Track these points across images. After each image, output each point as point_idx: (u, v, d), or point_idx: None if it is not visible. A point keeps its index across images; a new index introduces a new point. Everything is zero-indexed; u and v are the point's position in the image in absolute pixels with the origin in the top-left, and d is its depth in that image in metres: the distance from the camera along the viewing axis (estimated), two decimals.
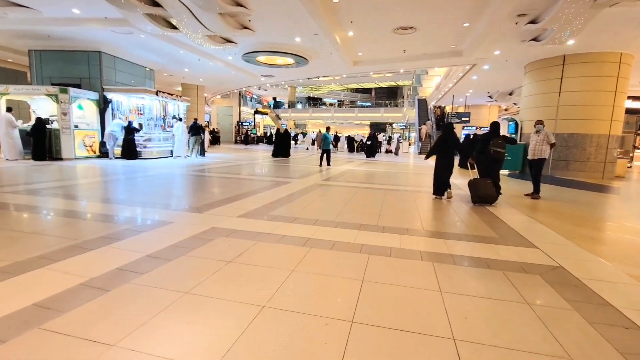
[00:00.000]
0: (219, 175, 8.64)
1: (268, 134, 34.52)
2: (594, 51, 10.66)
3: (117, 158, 11.98)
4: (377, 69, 14.98)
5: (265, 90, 48.44)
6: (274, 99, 53.57)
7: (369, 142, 18.45)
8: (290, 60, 12.98)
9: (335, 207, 5.21)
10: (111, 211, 4.50)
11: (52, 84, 11.55)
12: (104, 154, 12.18)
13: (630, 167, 14.10)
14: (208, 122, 31.05)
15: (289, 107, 49.75)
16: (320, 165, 11.79)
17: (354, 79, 43.39)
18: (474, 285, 2.57)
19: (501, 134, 6.30)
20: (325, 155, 11.97)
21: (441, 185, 6.21)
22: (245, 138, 31.84)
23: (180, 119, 14.21)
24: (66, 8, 8.60)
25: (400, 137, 26.21)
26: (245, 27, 9.52)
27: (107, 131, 11.88)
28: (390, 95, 51.72)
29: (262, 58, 13.13)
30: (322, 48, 11.49)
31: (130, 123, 12.03)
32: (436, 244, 3.54)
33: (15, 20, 9.25)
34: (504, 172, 12.34)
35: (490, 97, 21.06)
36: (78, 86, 12.01)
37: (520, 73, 13.22)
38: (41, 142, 10.40)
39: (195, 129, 13.79)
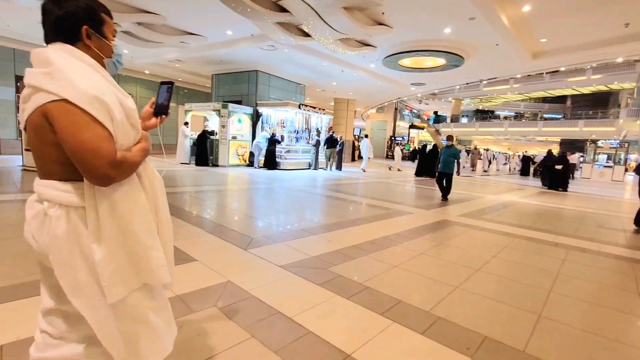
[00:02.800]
0: (329, 194, 7.49)
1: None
2: None
3: (260, 167, 12.83)
4: (573, 62, 10.54)
5: (427, 104, 45.67)
6: (435, 112, 49.94)
7: (558, 167, 11.52)
8: (441, 60, 10.70)
9: (449, 274, 3.02)
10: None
11: (223, 102, 13.53)
12: (251, 163, 13.30)
13: None
14: (357, 136, 31.28)
15: (452, 121, 45.01)
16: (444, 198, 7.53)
17: (540, 85, 34.72)
18: None
19: None
20: (443, 181, 7.52)
21: None
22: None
23: (319, 132, 14.14)
24: (222, 31, 9.58)
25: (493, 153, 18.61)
26: (380, 23, 8.12)
27: (254, 142, 12.89)
28: (595, 103, 38.85)
29: (407, 62, 11.40)
30: (483, 38, 8.75)
31: (273, 135, 12.68)
32: None
33: (195, 47, 11.11)
34: None
35: None
36: (239, 102, 13.62)
37: None
38: (203, 150, 12.14)
39: (331, 142, 13.39)
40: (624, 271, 3.42)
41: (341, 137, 14.63)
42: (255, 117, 13.61)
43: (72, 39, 1.05)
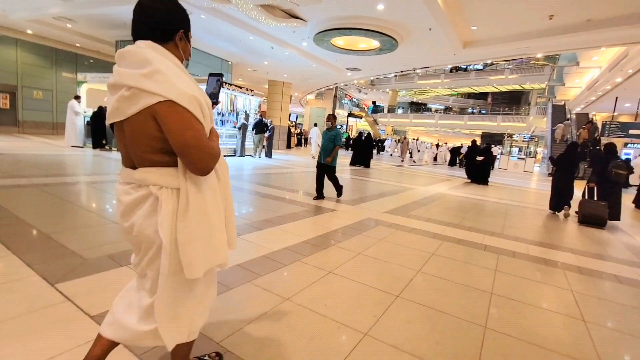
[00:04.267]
0: (244, 187, 6.36)
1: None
2: None
3: None
4: (500, 54, 10.73)
5: (366, 94, 46.34)
6: (374, 102, 51.14)
7: (480, 158, 10.99)
8: (375, 43, 10.05)
9: (359, 307, 2.17)
10: None
11: None
12: None
13: None
14: (294, 122, 30.30)
15: (389, 111, 46.35)
16: (318, 196, 5.57)
17: (466, 81, 37.16)
18: None
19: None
20: (323, 176, 5.54)
21: (559, 200, 6.15)
22: None
23: (248, 115, 12.74)
24: None
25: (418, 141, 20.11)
26: None
27: None
28: (512, 101, 43.19)
29: (340, 42, 10.55)
30: (417, 20, 8.24)
31: None
32: None
33: (81, 1, 8.88)
34: None
35: None
36: None
37: None
38: (100, 131, 10.00)
39: (260, 127, 12.12)
40: (559, 284, 2.94)
41: (271, 121, 13.41)
42: None
43: (166, 39, 1.12)
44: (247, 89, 12.98)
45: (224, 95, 12.32)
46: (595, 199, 5.86)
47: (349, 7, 8.00)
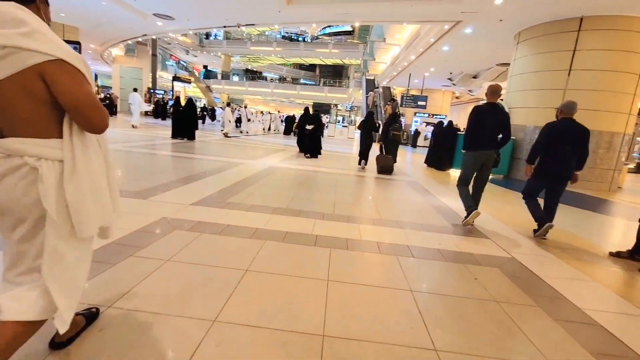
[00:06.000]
0: None
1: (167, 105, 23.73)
2: (621, 14, 7.59)
3: None
4: (322, 17, 10.51)
5: (195, 56, 41.34)
6: (205, 67, 46.52)
7: (309, 128, 9.75)
8: None
9: None
10: None
11: None
12: None
13: None
14: (97, 85, 23.79)
15: (223, 78, 42.92)
16: None
17: (297, 52, 38.25)
18: None
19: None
20: None
21: (362, 155, 7.97)
22: (156, 110, 25.14)
23: None
24: None
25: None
26: None
27: None
28: (336, 74, 47.66)
29: None
30: None
31: None
32: None
33: None
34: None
35: (450, 79, 18.08)
36: None
37: (508, 44, 9.96)
38: None
39: None
40: (397, 283, 2.37)
41: None
42: None
43: (27, 1, 1.05)
44: None
45: None
46: (384, 153, 7.62)
47: None
